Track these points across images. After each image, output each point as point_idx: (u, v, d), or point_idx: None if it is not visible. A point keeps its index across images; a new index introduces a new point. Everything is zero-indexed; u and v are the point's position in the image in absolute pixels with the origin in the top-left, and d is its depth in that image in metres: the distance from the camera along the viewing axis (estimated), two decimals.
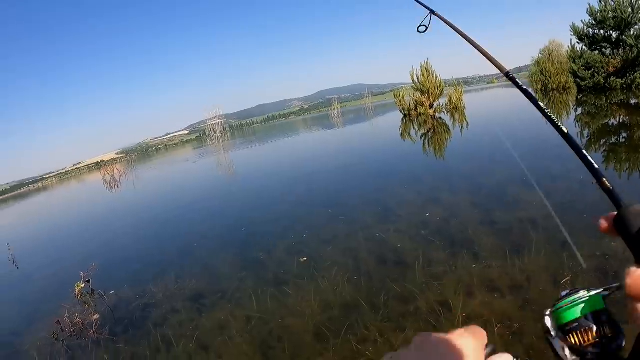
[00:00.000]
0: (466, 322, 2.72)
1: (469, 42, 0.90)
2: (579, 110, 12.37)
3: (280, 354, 3.00)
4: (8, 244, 9.63)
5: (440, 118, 17.85)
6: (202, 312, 4.02)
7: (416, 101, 21.10)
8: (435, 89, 19.99)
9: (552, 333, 0.51)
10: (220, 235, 6.76)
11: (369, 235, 4.93)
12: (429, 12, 1.23)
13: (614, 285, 0.50)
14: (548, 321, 0.53)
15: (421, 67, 20.08)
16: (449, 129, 13.79)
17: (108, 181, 29.15)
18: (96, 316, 4.57)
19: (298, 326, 3.29)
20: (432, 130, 14.41)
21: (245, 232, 6.59)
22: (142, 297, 4.77)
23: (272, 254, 5.08)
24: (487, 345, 0.47)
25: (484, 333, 0.47)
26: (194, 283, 4.76)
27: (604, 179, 0.53)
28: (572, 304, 0.51)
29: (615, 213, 0.46)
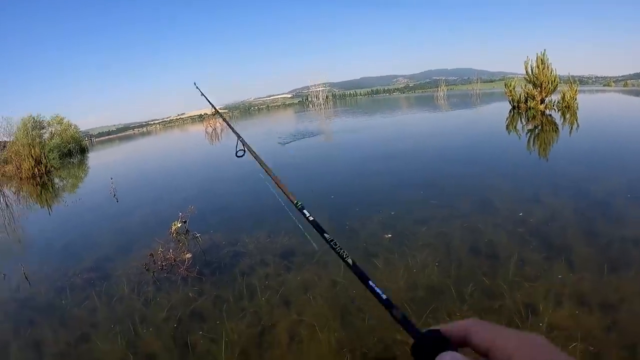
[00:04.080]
0: (550, 330, 2.70)
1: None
2: None
3: (359, 322, 3.13)
4: (111, 178, 10.82)
5: (550, 115, 16.61)
6: (290, 269, 4.28)
7: (527, 94, 19.88)
8: (549, 83, 18.58)
9: None
10: (313, 199, 6.98)
11: (463, 223, 4.86)
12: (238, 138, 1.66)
13: None
14: None
15: (537, 58, 18.81)
16: (558, 128, 12.86)
17: (209, 133, 31.16)
18: (188, 255, 5.04)
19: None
20: (540, 127, 13.55)
21: (336, 199, 6.79)
22: (234, 245, 5.18)
23: (365, 226, 5.20)
24: None
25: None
26: (286, 240, 5.04)
27: (394, 309, 0.53)
28: None
29: (413, 342, 0.48)
